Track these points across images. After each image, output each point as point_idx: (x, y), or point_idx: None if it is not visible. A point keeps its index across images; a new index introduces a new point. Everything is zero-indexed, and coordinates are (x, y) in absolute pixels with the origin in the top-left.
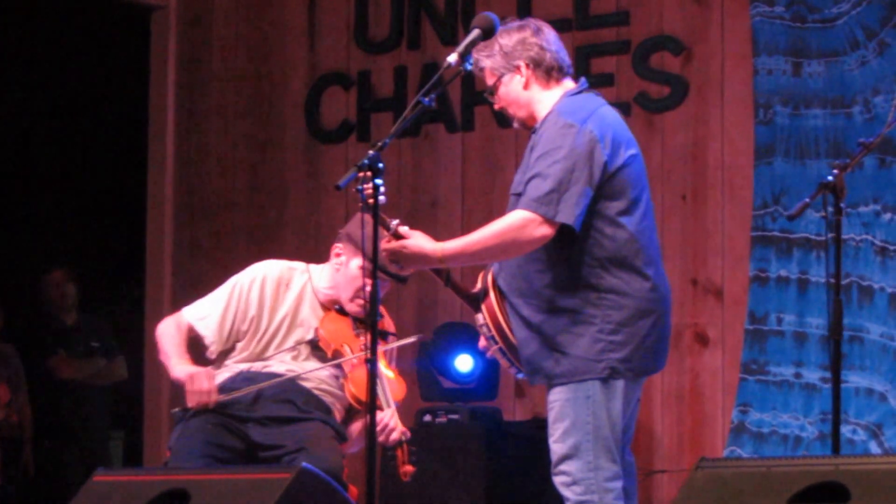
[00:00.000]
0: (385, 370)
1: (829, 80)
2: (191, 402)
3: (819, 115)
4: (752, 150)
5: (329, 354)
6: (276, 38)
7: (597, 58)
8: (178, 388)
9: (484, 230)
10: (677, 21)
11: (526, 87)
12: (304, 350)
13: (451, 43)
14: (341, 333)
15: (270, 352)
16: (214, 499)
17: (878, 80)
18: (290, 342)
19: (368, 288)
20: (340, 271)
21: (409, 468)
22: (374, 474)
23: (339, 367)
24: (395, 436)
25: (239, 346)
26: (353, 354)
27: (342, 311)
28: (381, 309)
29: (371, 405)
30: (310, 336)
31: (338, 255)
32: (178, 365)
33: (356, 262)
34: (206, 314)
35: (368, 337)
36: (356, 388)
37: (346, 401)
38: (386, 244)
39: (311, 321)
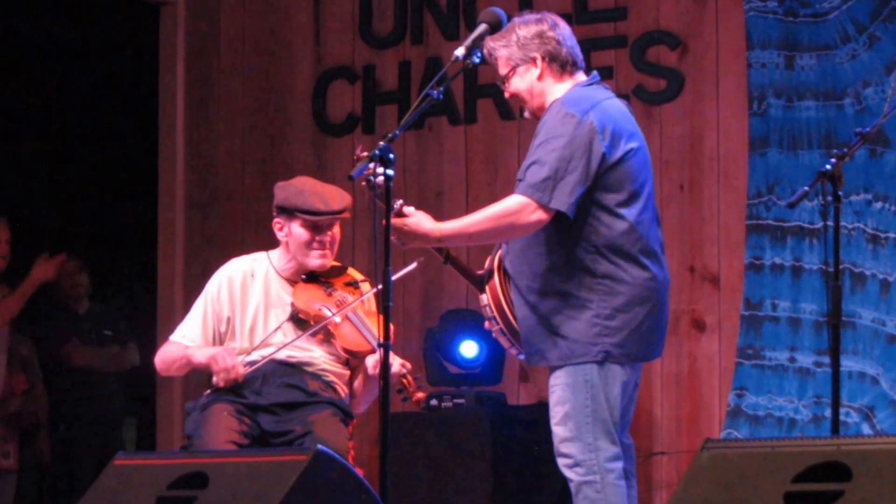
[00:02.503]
0: (364, 316)
1: (821, 72)
2: (220, 381)
3: (811, 107)
4: (747, 141)
5: (312, 322)
6: (283, 34)
7: (595, 52)
8: (193, 377)
9: (481, 213)
10: (673, 16)
11: (540, 78)
12: (289, 327)
13: (454, 38)
14: (315, 298)
15: (258, 338)
16: (232, 481)
17: (868, 73)
18: (272, 324)
19: (318, 238)
20: (289, 241)
21: (420, 395)
22: (386, 456)
23: (327, 330)
24: (395, 368)
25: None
26: (332, 313)
27: (308, 280)
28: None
29: (384, 395)
30: (287, 314)
31: (280, 228)
32: (196, 352)
33: (295, 224)
34: (188, 331)
35: (340, 293)
36: (345, 341)
37: (346, 377)
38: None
39: (283, 299)
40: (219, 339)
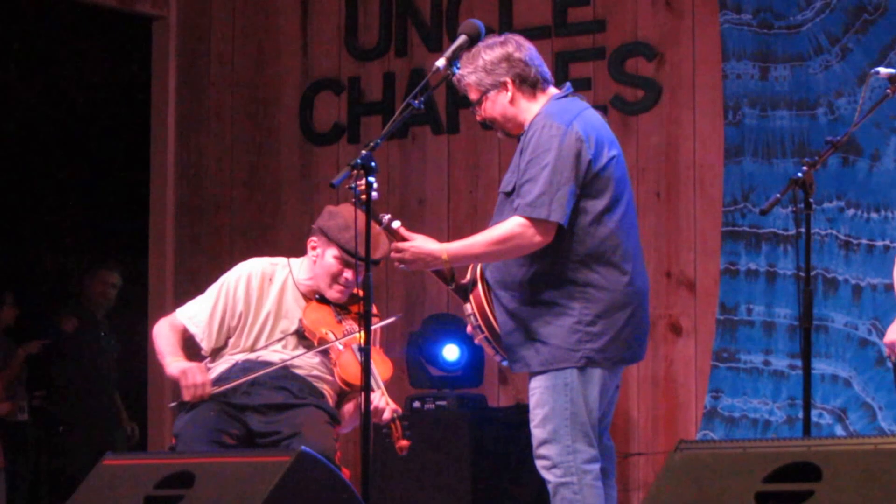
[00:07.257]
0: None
1: (795, 83)
2: (186, 395)
3: (785, 117)
4: (722, 150)
5: (315, 343)
6: (271, 47)
7: (575, 63)
8: (175, 383)
9: (485, 235)
10: (651, 28)
11: (512, 102)
12: (292, 340)
13: (437, 50)
14: (324, 321)
15: (261, 344)
16: (218, 481)
17: (840, 84)
18: (277, 334)
19: (345, 275)
20: (317, 262)
21: (404, 443)
22: (368, 456)
23: (326, 353)
24: (386, 415)
25: (231, 341)
26: (337, 340)
27: (323, 300)
28: (359, 292)
29: (365, 390)
30: (294, 327)
31: (314, 247)
32: (173, 362)
33: (330, 252)
34: (196, 314)
35: (350, 322)
36: (344, 372)
37: (336, 385)
38: (393, 245)
39: (294, 312)
40: (226, 332)
